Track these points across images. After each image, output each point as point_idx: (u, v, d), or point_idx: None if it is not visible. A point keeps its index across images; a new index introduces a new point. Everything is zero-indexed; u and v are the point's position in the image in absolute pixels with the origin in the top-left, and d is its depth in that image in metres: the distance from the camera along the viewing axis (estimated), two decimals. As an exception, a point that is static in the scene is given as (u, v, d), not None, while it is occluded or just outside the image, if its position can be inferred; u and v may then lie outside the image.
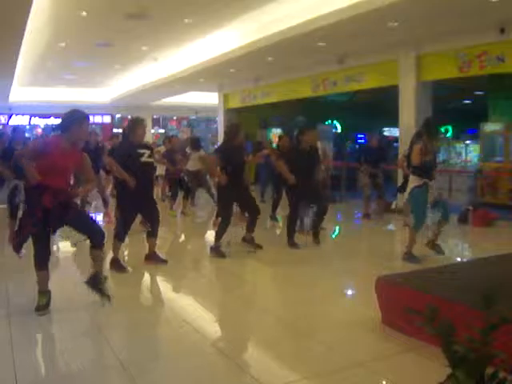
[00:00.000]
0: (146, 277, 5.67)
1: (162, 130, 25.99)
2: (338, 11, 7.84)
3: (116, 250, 5.56)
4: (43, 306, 4.15)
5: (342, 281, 5.49)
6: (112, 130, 22.36)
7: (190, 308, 4.63)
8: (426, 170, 5.75)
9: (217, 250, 6.24)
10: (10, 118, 22.98)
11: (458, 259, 6.59)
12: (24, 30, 8.63)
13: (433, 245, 6.10)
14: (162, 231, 6.03)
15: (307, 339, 3.72)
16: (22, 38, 9.26)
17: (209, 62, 12.26)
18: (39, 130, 22.85)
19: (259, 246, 6.55)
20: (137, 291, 5.14)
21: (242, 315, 4.34)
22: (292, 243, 6.72)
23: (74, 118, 4.20)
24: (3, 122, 22.69)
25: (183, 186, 9.83)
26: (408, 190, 5.91)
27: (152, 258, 5.84)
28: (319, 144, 7.90)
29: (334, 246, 7.19)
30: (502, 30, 8.07)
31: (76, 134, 4.20)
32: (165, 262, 5.87)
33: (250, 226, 6.53)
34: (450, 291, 3.52)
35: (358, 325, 3.92)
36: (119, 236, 5.57)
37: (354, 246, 7.33)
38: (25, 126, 21.80)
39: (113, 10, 8.96)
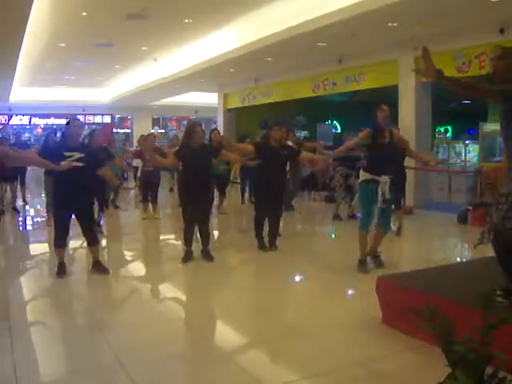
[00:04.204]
0: (146, 277, 5.68)
1: (162, 130, 26.00)
2: (338, 11, 7.86)
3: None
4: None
5: (343, 280, 5.48)
6: (112, 130, 22.36)
7: (189, 308, 4.64)
8: (374, 164, 5.33)
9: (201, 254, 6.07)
10: (11, 118, 22.99)
11: (458, 259, 6.60)
12: (24, 30, 8.64)
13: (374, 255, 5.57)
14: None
15: (307, 339, 3.72)
16: (22, 39, 9.28)
17: (209, 62, 12.28)
18: (39, 130, 22.80)
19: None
20: (137, 291, 5.14)
21: (241, 315, 4.34)
22: (261, 245, 6.48)
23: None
24: (3, 122, 22.71)
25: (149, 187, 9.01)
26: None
27: (95, 266, 5.43)
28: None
29: (334, 245, 7.18)
30: (502, 30, 8.08)
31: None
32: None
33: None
34: (450, 291, 3.52)
35: (358, 325, 3.92)
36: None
37: (355, 246, 7.31)
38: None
39: (113, 10, 8.98)
